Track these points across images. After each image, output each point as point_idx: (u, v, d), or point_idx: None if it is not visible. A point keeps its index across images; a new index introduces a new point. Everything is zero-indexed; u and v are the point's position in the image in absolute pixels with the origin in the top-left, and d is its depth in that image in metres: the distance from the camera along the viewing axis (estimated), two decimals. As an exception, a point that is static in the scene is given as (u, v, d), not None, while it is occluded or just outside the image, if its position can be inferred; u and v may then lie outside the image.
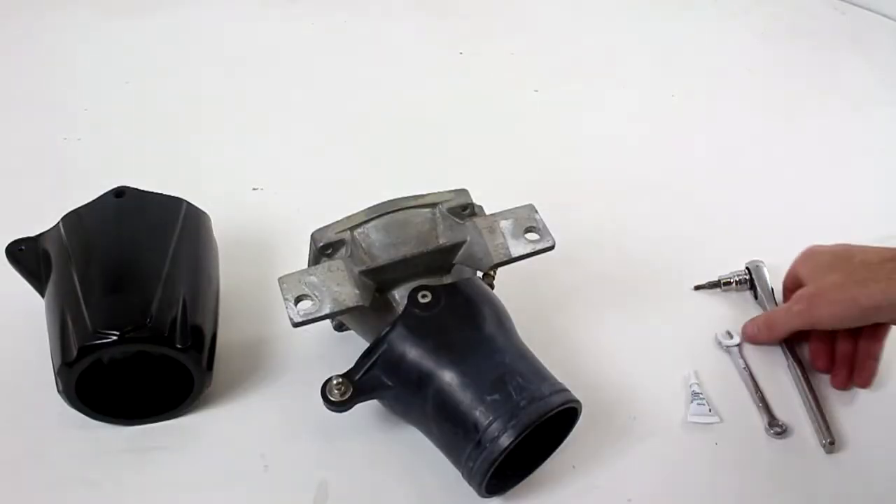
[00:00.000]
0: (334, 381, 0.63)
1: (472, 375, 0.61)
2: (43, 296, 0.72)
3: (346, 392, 0.63)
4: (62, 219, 0.74)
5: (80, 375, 0.65)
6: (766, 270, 0.83)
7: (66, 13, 1.24)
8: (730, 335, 0.79)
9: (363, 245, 0.68)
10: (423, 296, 0.65)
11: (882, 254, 0.71)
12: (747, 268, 0.84)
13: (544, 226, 0.71)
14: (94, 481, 0.65)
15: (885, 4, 1.31)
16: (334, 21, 1.27)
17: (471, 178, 0.75)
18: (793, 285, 0.78)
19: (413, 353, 0.63)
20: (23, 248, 0.74)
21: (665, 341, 0.78)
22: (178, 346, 0.66)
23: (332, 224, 0.68)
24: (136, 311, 0.65)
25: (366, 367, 0.64)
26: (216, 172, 0.96)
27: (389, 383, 0.64)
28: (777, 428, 0.70)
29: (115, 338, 0.64)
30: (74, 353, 0.64)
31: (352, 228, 0.68)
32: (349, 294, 0.64)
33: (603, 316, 0.80)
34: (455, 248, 0.69)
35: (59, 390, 0.66)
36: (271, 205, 0.93)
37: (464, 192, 0.71)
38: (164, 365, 0.67)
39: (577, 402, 0.63)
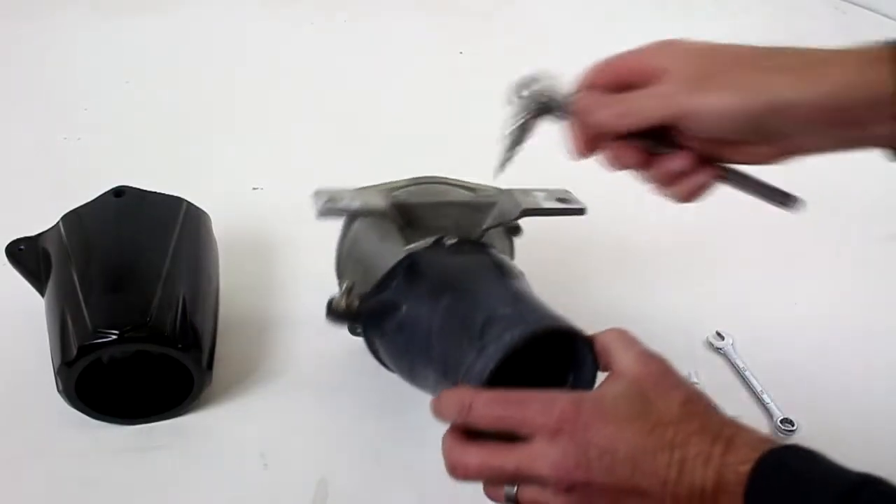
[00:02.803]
0: (345, 287, 0.64)
1: (487, 294, 0.61)
2: (43, 295, 0.72)
3: (352, 304, 0.64)
4: (62, 219, 0.74)
5: (80, 375, 0.65)
6: None
7: (66, 13, 1.24)
8: (720, 336, 0.79)
9: (399, 199, 0.69)
10: (450, 238, 0.66)
11: (794, 49, 0.54)
12: None
13: (576, 198, 0.71)
14: (94, 481, 0.65)
15: (885, 4, 1.31)
16: (334, 21, 1.27)
17: (472, 178, 0.74)
18: (628, 76, 0.57)
19: (434, 272, 0.64)
20: (23, 247, 0.74)
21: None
22: (178, 346, 0.66)
23: (371, 186, 0.69)
24: (136, 311, 0.66)
25: (383, 284, 0.64)
26: (216, 172, 0.96)
27: (400, 302, 0.63)
28: (789, 425, 0.71)
29: (114, 337, 0.64)
30: (74, 352, 0.64)
31: (390, 190, 0.69)
32: (377, 202, 0.66)
33: (600, 312, 0.80)
34: (487, 206, 0.69)
35: (59, 390, 0.66)
36: (271, 205, 0.93)
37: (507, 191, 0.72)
38: (164, 364, 0.67)
39: (593, 350, 0.57)
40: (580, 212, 0.71)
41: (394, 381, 0.74)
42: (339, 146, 1.03)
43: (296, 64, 1.17)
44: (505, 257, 0.69)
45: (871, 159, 1.07)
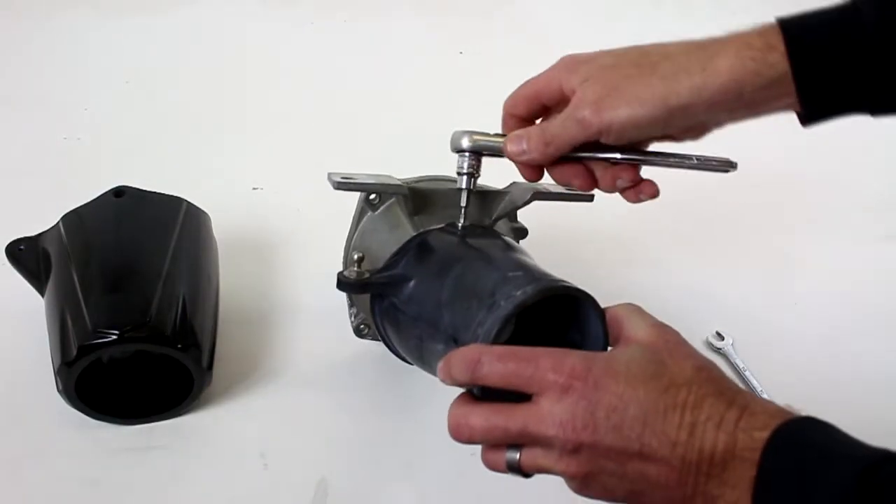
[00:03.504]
0: (355, 256, 0.65)
1: (497, 263, 0.61)
2: (43, 296, 0.72)
3: (363, 274, 0.64)
4: (62, 219, 0.74)
5: (80, 375, 0.65)
6: None
7: (67, 13, 1.24)
8: (720, 336, 0.79)
9: (411, 184, 0.70)
10: (452, 225, 0.67)
11: (686, 47, 0.59)
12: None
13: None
14: (94, 481, 0.65)
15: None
16: (334, 21, 1.27)
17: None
18: (545, 98, 0.63)
19: (444, 249, 0.65)
20: (23, 247, 0.74)
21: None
22: (178, 346, 0.66)
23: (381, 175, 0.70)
24: (136, 311, 0.66)
25: (394, 260, 0.65)
26: (216, 172, 0.96)
27: (410, 275, 0.64)
28: None
29: (114, 337, 0.64)
30: (74, 352, 0.64)
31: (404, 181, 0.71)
32: (391, 182, 0.68)
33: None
34: (497, 195, 0.71)
35: (59, 390, 0.66)
36: (271, 205, 0.93)
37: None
38: (164, 364, 0.67)
39: (603, 321, 0.56)
40: (589, 198, 0.72)
41: (394, 381, 0.74)
42: (339, 146, 1.03)
43: (296, 64, 1.18)
44: (514, 242, 0.69)
45: (871, 159, 1.08)
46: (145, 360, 0.69)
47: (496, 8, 1.33)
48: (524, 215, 0.76)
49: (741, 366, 0.76)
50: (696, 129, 0.61)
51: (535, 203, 0.73)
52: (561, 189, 0.70)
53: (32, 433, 0.69)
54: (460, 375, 0.51)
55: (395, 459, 0.68)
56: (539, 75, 0.63)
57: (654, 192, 0.63)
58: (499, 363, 0.49)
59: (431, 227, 0.67)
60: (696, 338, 0.79)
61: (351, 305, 0.73)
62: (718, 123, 0.60)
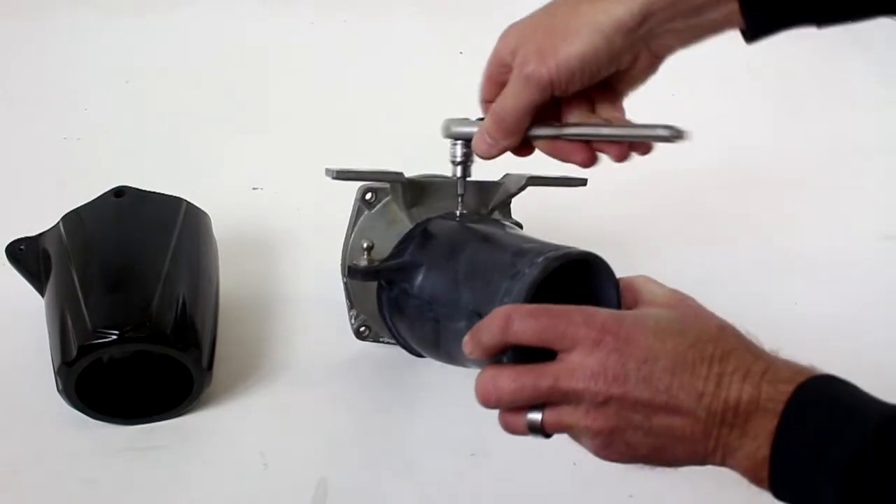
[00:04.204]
0: (364, 245, 0.65)
1: (504, 239, 0.62)
2: (43, 296, 0.72)
3: (373, 262, 0.65)
4: (62, 219, 0.74)
5: (80, 375, 0.65)
6: None
7: (67, 13, 1.24)
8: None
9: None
10: (458, 210, 0.67)
11: None
12: None
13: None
14: (94, 481, 0.65)
15: (886, 4, 1.31)
16: (334, 21, 1.27)
17: (472, 178, 0.75)
18: (500, 76, 0.62)
19: (448, 232, 0.65)
20: (23, 247, 0.74)
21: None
22: (178, 346, 0.66)
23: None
24: (136, 311, 0.66)
25: (399, 249, 0.66)
26: (216, 172, 0.96)
27: (420, 261, 0.64)
28: None
29: (114, 337, 0.64)
30: (74, 352, 0.64)
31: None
32: (390, 171, 0.68)
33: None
34: (494, 186, 0.71)
35: (59, 390, 0.66)
36: (271, 205, 0.93)
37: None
38: (164, 364, 0.67)
39: (618, 290, 0.57)
40: (583, 182, 0.72)
41: (394, 381, 0.74)
42: (339, 146, 1.03)
43: (296, 64, 1.17)
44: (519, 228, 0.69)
45: (871, 159, 1.08)
46: (145, 360, 0.69)
47: (496, 8, 1.33)
48: (523, 215, 0.76)
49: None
50: (647, 57, 0.59)
51: (534, 203, 0.73)
52: (554, 175, 0.70)
53: (32, 433, 0.69)
54: (491, 338, 0.50)
55: (395, 459, 0.68)
56: (490, 56, 0.63)
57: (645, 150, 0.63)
58: (531, 319, 0.49)
59: (431, 217, 0.68)
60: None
61: (351, 307, 0.73)
62: (667, 47, 0.59)
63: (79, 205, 0.75)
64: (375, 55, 1.20)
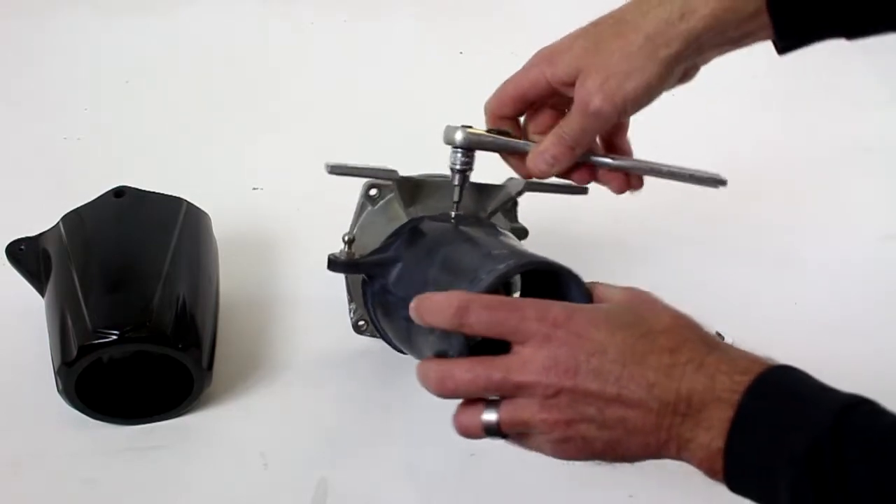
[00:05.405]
0: (346, 238, 0.66)
1: (481, 243, 0.63)
2: (43, 296, 0.72)
3: (353, 255, 0.65)
4: (62, 219, 0.74)
5: (80, 375, 0.65)
6: None
7: (66, 13, 1.24)
8: (720, 336, 0.79)
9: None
10: (444, 214, 0.68)
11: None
12: None
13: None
14: (94, 481, 0.65)
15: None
16: (334, 21, 1.27)
17: (472, 178, 0.75)
18: (536, 97, 0.65)
19: (433, 231, 0.66)
20: (23, 248, 0.74)
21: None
22: (178, 346, 0.66)
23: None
24: (136, 311, 0.66)
25: (386, 244, 0.67)
26: (216, 172, 0.96)
27: (399, 257, 0.65)
28: None
29: (114, 337, 0.64)
30: (74, 352, 0.64)
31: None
32: (383, 168, 0.68)
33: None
34: (494, 188, 0.71)
35: (59, 390, 0.66)
36: (271, 205, 0.93)
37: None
38: (164, 364, 0.67)
39: (587, 290, 0.57)
40: (583, 190, 0.72)
41: (394, 381, 0.74)
42: (339, 146, 1.03)
43: (295, 64, 1.17)
44: (505, 231, 0.70)
45: (871, 160, 1.08)
46: (145, 360, 0.69)
47: (496, 8, 1.33)
48: (521, 212, 0.76)
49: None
50: (689, 72, 0.63)
51: (534, 205, 0.73)
52: (556, 181, 0.70)
53: (32, 433, 0.69)
54: (445, 320, 0.51)
55: (395, 459, 0.68)
56: (519, 75, 0.65)
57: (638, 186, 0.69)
58: (486, 311, 0.50)
59: (426, 216, 0.68)
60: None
61: (350, 301, 0.73)
62: (706, 60, 0.63)
63: (79, 205, 0.75)
64: (375, 55, 1.20)
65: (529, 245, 0.74)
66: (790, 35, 0.60)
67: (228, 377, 0.73)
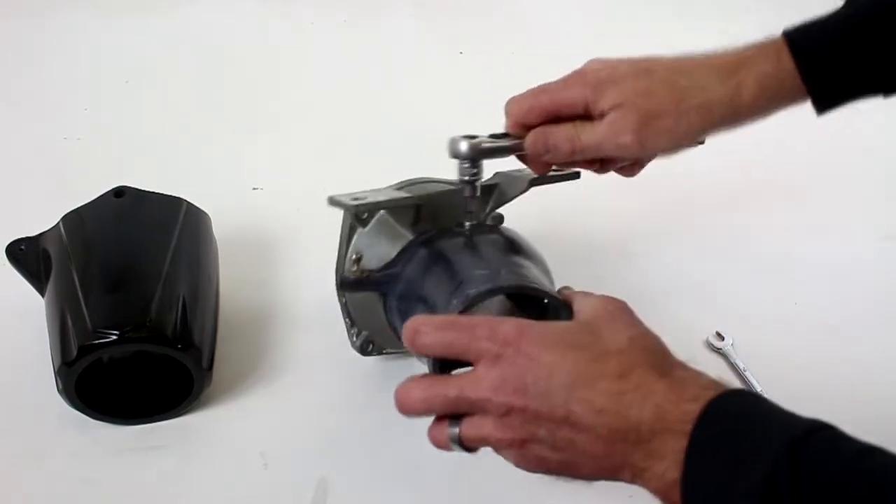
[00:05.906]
0: (353, 257, 0.66)
1: (472, 261, 0.63)
2: (43, 296, 0.72)
3: (362, 272, 0.66)
4: (62, 219, 0.74)
5: (80, 375, 0.65)
6: None
7: (66, 13, 1.24)
8: (720, 336, 0.79)
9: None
10: (459, 225, 0.68)
11: (709, 67, 0.63)
12: None
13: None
14: (94, 481, 0.65)
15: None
16: (334, 21, 1.27)
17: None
18: (558, 117, 0.64)
19: (437, 246, 0.66)
20: (23, 248, 0.74)
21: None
22: (178, 346, 0.66)
23: (366, 191, 0.70)
24: (136, 311, 0.66)
25: (396, 259, 0.67)
26: (216, 172, 0.97)
27: (402, 273, 0.66)
28: None
29: (114, 337, 0.64)
30: (74, 352, 0.64)
31: (389, 190, 0.71)
32: (398, 195, 0.69)
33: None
34: (490, 188, 0.71)
35: (59, 390, 0.66)
36: (271, 205, 0.93)
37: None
38: (164, 364, 0.67)
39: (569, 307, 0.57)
40: (576, 175, 0.73)
41: (394, 381, 0.74)
42: (339, 146, 1.03)
43: (295, 64, 1.18)
44: (521, 237, 0.69)
45: (871, 159, 1.08)
46: (145, 360, 0.69)
47: (496, 8, 1.33)
48: (523, 214, 0.76)
49: (741, 366, 0.76)
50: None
51: (534, 205, 0.73)
52: (551, 173, 0.70)
53: (32, 433, 0.69)
54: (406, 343, 0.52)
55: (395, 459, 0.68)
56: (558, 88, 0.64)
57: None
58: (437, 333, 0.51)
59: (436, 229, 0.68)
60: (696, 338, 0.79)
61: (351, 326, 0.72)
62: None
63: (79, 205, 0.75)
64: (375, 55, 1.20)
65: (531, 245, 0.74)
66: (827, 100, 0.63)
67: (228, 377, 0.73)
